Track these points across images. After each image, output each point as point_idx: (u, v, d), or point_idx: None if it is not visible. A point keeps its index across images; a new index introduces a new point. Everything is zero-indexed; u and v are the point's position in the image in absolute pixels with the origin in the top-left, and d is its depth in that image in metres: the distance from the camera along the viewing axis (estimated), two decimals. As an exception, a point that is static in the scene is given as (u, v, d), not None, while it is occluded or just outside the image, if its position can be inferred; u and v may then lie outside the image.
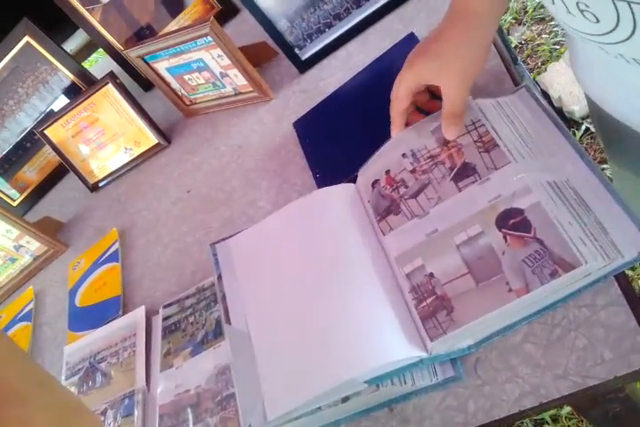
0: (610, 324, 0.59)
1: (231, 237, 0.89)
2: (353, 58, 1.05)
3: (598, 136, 1.17)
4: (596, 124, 0.92)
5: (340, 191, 0.82)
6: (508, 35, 2.29)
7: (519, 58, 2.03)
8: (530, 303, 0.62)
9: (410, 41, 0.95)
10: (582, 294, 0.62)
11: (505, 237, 0.64)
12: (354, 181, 0.83)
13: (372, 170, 0.80)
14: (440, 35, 0.73)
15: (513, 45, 2.22)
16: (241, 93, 1.19)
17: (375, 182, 0.79)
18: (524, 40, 2.29)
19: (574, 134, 1.84)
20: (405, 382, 0.67)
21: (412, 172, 0.75)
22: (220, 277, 0.87)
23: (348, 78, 1.02)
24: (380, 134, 0.81)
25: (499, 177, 0.68)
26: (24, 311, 1.35)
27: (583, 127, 1.88)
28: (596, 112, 0.82)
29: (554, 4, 0.56)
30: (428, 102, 0.79)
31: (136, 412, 0.95)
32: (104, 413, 1.00)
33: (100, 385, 1.04)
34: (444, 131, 0.72)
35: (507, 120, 0.74)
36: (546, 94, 1.98)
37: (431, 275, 0.68)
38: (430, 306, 0.67)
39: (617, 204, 0.64)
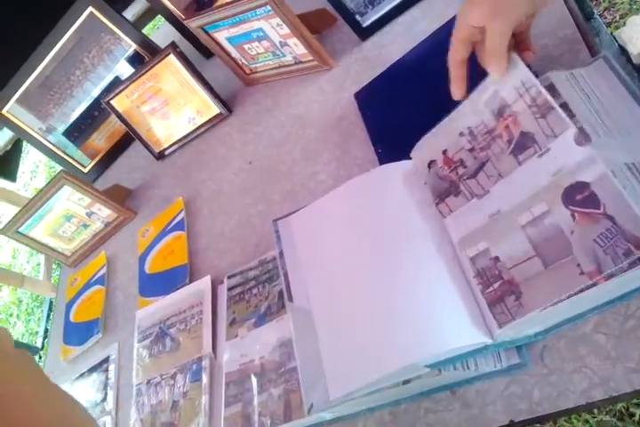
0: (690, 317, 0.54)
1: (292, 213, 0.86)
2: (417, 24, 0.98)
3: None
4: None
5: (402, 169, 0.78)
6: (584, -14, 2.09)
7: (595, 11, 1.87)
8: (605, 292, 0.57)
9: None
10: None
11: (573, 215, 0.59)
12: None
13: (426, 150, 0.75)
14: None
15: (588, -3, 2.03)
16: (301, 62, 1.14)
17: (432, 163, 0.74)
18: (602, -9, 2.09)
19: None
20: (468, 368, 0.64)
21: (471, 150, 0.70)
22: (281, 254, 0.85)
23: (412, 46, 0.96)
24: (446, 107, 0.75)
25: (560, 146, 0.61)
26: (97, 275, 1.37)
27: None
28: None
29: None
30: None
31: (204, 378, 0.96)
32: (173, 376, 1.01)
33: (169, 350, 1.05)
34: (489, 72, 0.68)
35: (582, 94, 0.67)
36: (624, 51, 1.82)
37: (496, 258, 0.64)
38: (497, 291, 0.62)
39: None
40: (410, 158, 0.78)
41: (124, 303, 1.25)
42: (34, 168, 4.49)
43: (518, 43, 0.70)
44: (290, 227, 0.86)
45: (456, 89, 0.72)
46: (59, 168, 1.56)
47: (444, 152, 0.72)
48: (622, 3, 1.98)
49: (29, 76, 1.52)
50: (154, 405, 1.00)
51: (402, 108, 0.91)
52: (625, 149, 0.61)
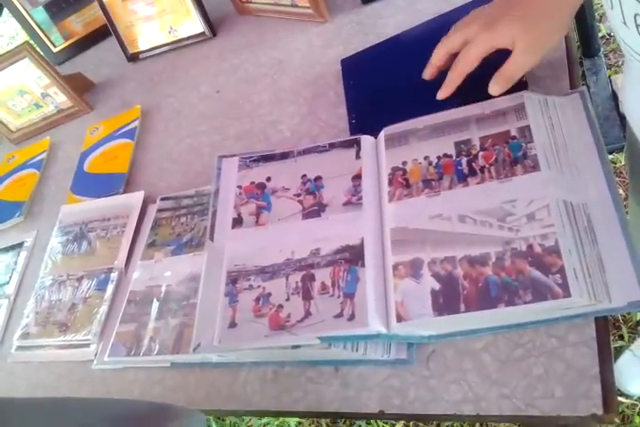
0: (573, 362, 0.54)
1: (234, 156, 0.83)
2: (420, 2, 0.92)
3: (627, 166, 1.07)
4: (627, 154, 0.83)
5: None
6: (600, 22, 1.96)
7: (602, 49, 1.82)
8: (503, 316, 0.57)
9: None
10: (557, 323, 0.56)
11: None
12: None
13: (400, 151, 0.72)
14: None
15: (600, 35, 1.90)
16: (297, 6, 1.06)
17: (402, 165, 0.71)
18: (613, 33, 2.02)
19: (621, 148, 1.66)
20: (357, 350, 0.63)
21: (442, 168, 0.67)
22: (217, 192, 0.81)
23: (408, 22, 0.90)
24: (429, 93, 0.74)
25: (522, 181, 0.61)
26: (35, 159, 1.30)
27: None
28: (631, 141, 0.74)
29: (612, 8, 0.47)
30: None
31: (109, 289, 0.93)
32: (79, 280, 0.98)
33: (83, 253, 1.01)
34: (490, 86, 0.67)
35: (548, 122, 0.65)
36: (615, 96, 1.76)
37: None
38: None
39: (626, 244, 0.57)
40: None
41: (54, 194, 1.19)
42: (13, 35, 4.17)
43: None
44: (232, 166, 0.82)
45: (427, 72, 0.76)
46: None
47: (415, 160, 0.69)
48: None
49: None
50: (53, 301, 0.97)
51: (385, 85, 0.86)
52: (568, 188, 0.60)
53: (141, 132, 1.14)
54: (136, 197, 1.01)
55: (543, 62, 0.69)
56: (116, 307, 0.90)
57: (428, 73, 0.76)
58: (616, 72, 1.85)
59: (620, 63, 1.90)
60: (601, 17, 2.00)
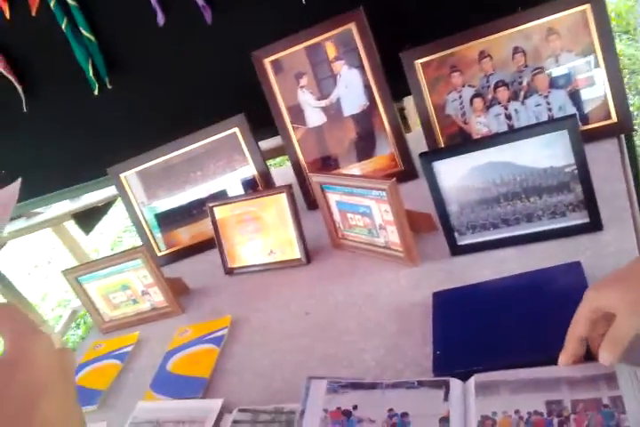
0: None
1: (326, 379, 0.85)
2: (506, 263, 1.01)
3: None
4: None
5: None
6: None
7: None
8: None
9: (574, 269, 0.89)
10: None
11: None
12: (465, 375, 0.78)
13: (491, 401, 0.73)
14: (632, 266, 0.69)
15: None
16: (390, 249, 1.17)
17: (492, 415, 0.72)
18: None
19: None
20: None
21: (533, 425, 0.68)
22: (302, 413, 0.82)
23: (496, 276, 0.98)
24: (517, 342, 0.81)
25: None
26: (121, 351, 1.34)
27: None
28: None
29: None
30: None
31: None
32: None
33: (151, 454, 1.00)
34: (599, 355, 0.66)
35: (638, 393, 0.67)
36: None
37: None
38: None
39: None
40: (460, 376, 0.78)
41: (132, 388, 1.21)
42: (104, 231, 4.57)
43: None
44: (320, 390, 0.84)
45: (565, 359, 0.71)
46: (126, 240, 1.58)
47: (505, 413, 0.71)
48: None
49: (159, 158, 1.60)
50: None
51: (474, 324, 0.91)
52: None
53: (228, 341, 1.18)
54: (215, 404, 1.02)
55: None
56: None
57: (566, 360, 0.72)
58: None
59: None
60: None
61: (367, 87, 1.41)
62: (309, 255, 1.32)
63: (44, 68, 1.71)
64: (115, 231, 4.53)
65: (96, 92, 1.69)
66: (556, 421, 0.66)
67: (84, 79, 1.67)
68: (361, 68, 1.41)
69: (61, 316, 3.54)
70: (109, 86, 1.69)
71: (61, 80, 1.72)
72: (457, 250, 1.09)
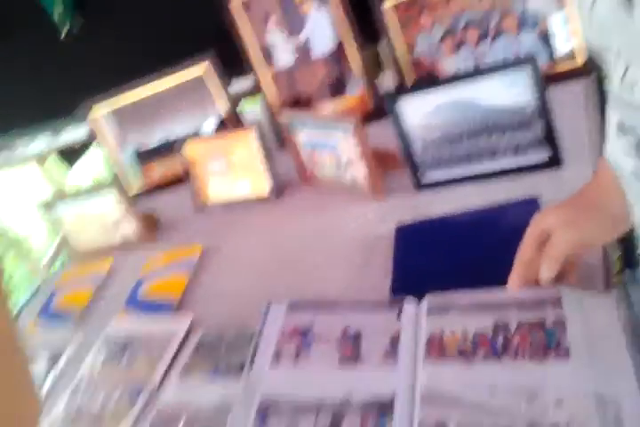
0: None
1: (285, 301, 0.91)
2: (468, 199, 1.03)
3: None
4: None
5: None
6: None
7: None
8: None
9: (530, 205, 0.93)
10: None
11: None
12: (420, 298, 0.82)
13: (440, 320, 0.77)
14: (576, 194, 0.73)
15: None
16: (357, 184, 1.20)
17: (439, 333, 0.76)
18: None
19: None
20: None
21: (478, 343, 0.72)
22: (260, 333, 0.87)
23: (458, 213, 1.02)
24: (474, 270, 0.85)
25: (553, 368, 0.65)
26: (95, 276, 1.38)
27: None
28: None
29: None
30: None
31: (138, 403, 0.94)
32: (112, 389, 0.99)
33: (122, 367, 1.04)
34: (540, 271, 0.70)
35: (582, 318, 0.69)
36: None
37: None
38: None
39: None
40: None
41: (105, 310, 1.25)
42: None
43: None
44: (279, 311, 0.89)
45: (513, 282, 0.74)
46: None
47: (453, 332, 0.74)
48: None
49: (129, 98, 1.59)
50: (83, 407, 0.99)
51: (433, 256, 0.95)
52: (595, 381, 0.62)
53: (198, 270, 1.22)
54: (182, 323, 1.06)
55: (582, 264, 0.75)
56: (140, 423, 0.91)
57: (514, 284, 0.74)
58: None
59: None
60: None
61: (336, 28, 1.40)
62: (279, 191, 1.34)
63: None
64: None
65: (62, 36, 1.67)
66: (500, 339, 0.70)
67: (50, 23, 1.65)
68: (329, 8, 1.39)
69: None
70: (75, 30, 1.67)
71: (26, 24, 1.70)
72: (421, 186, 1.12)
